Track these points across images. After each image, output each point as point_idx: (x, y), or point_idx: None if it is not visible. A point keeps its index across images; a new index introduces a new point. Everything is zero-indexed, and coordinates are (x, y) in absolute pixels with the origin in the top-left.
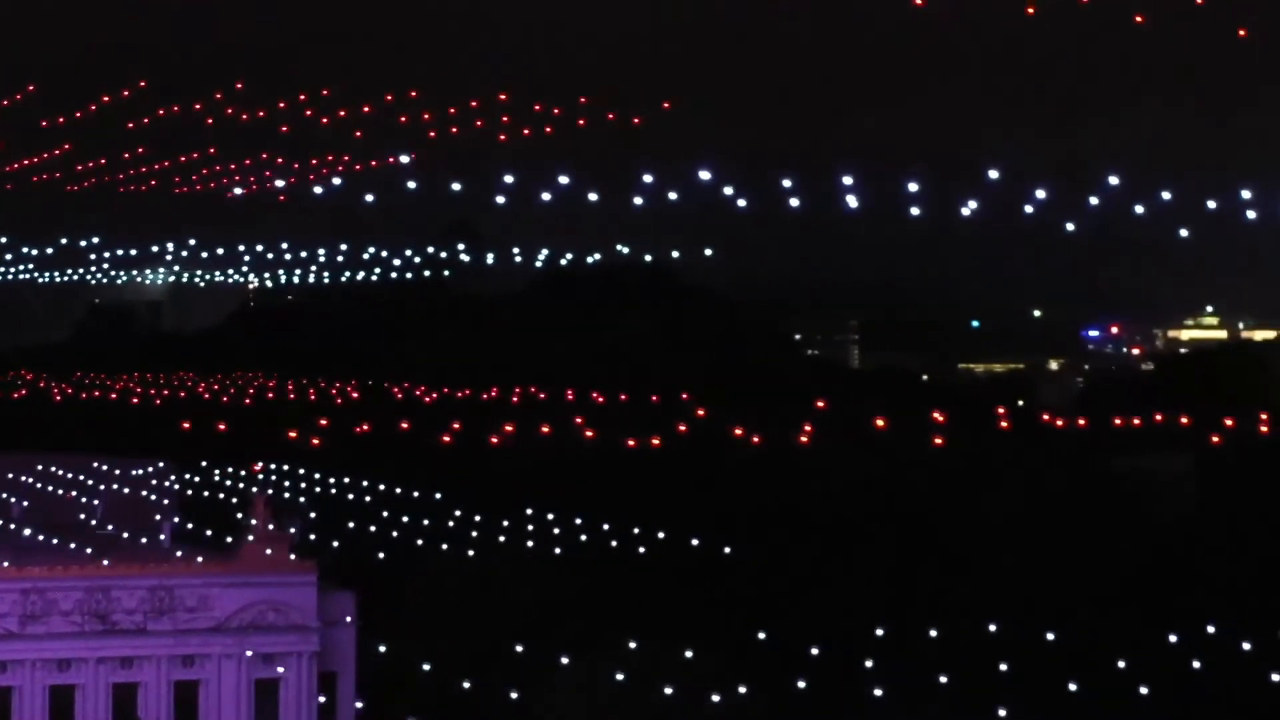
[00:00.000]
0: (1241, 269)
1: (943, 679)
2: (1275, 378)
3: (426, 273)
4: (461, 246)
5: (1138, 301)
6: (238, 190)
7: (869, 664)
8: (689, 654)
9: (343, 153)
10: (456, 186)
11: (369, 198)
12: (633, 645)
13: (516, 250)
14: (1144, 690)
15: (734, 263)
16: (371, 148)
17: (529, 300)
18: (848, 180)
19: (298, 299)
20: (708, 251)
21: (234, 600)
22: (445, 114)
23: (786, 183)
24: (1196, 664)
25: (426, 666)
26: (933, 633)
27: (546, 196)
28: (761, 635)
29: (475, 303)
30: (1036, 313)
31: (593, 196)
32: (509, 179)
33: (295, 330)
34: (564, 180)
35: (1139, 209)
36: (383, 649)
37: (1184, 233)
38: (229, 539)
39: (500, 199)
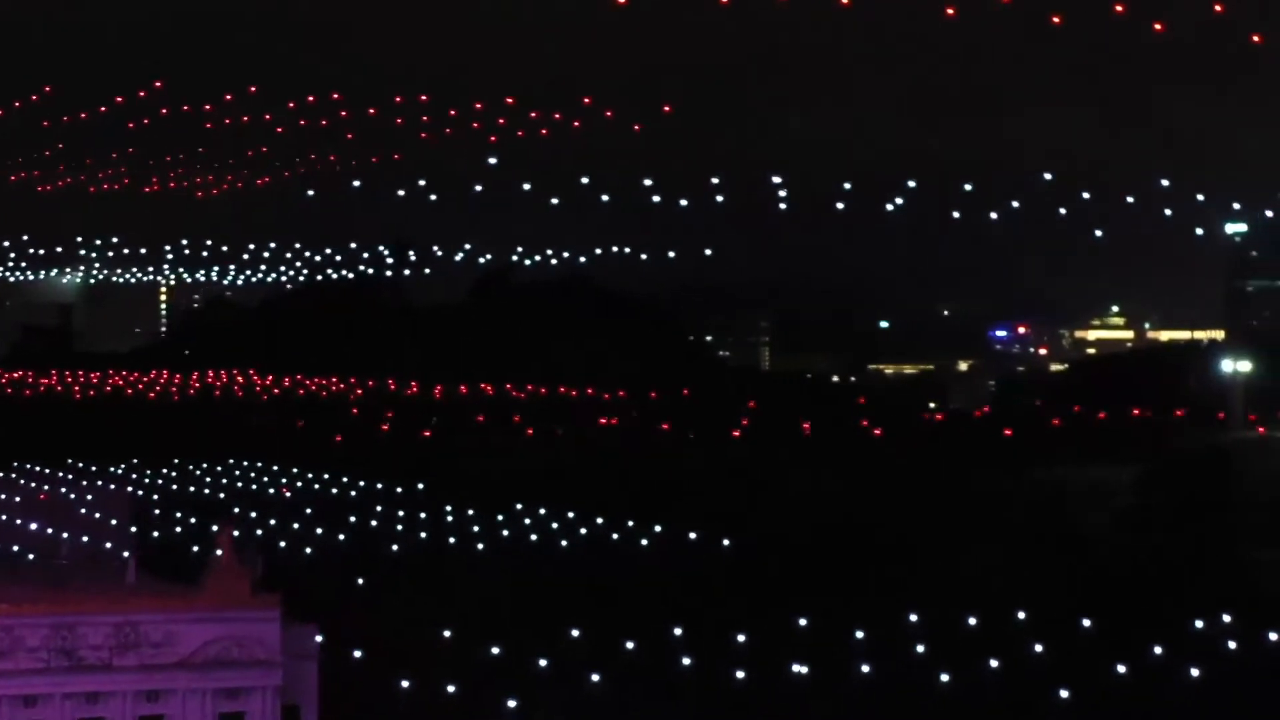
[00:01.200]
0: (1147, 269)
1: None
2: (1198, 381)
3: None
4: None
5: (1045, 302)
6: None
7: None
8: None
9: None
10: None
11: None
12: (595, 678)
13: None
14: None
15: (650, 265)
16: (293, 149)
17: (468, 309)
18: (776, 180)
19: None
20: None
21: (198, 636)
22: (366, 116)
23: (714, 180)
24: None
25: (406, 683)
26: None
27: (480, 187)
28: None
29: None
30: (945, 312)
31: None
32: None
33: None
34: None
35: (1062, 210)
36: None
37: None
38: (192, 575)
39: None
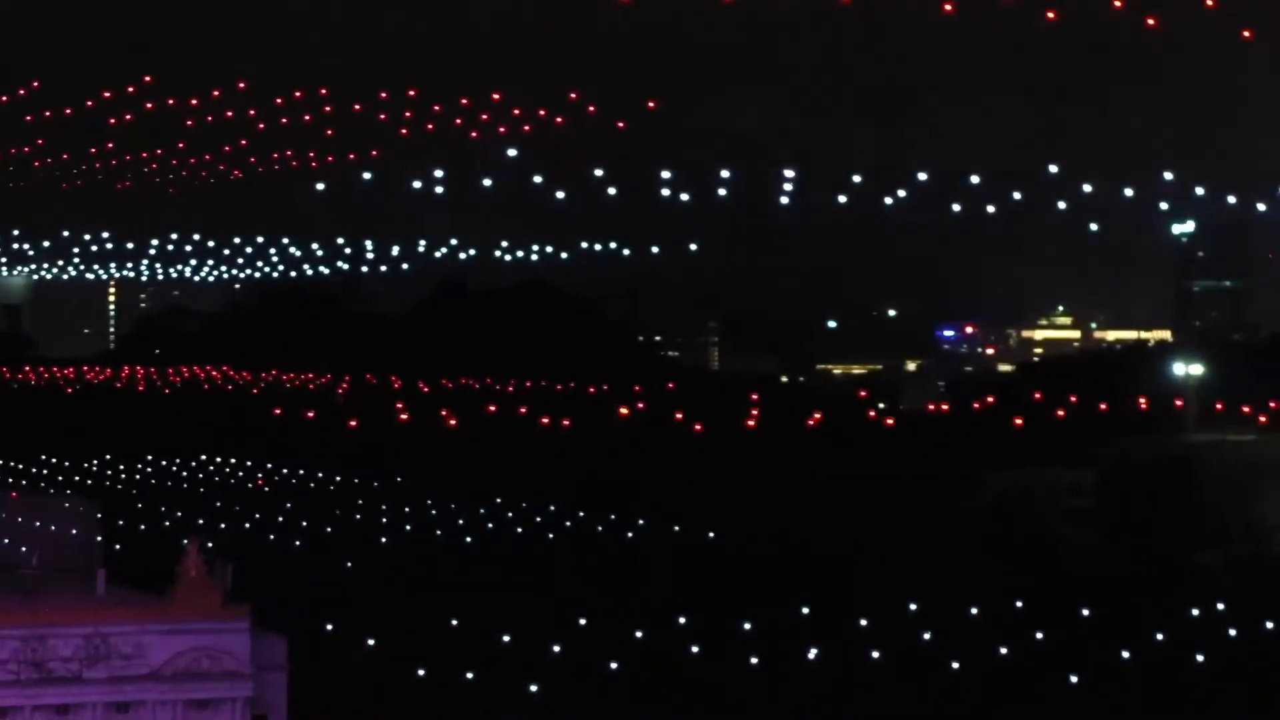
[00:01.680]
0: (1094, 269)
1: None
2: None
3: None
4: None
5: (991, 301)
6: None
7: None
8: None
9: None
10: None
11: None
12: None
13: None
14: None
15: (598, 265)
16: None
17: (421, 314)
18: (725, 173)
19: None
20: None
21: (169, 647)
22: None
23: (665, 174)
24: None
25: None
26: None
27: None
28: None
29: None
30: (891, 312)
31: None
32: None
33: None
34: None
35: (990, 208)
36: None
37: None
38: (161, 581)
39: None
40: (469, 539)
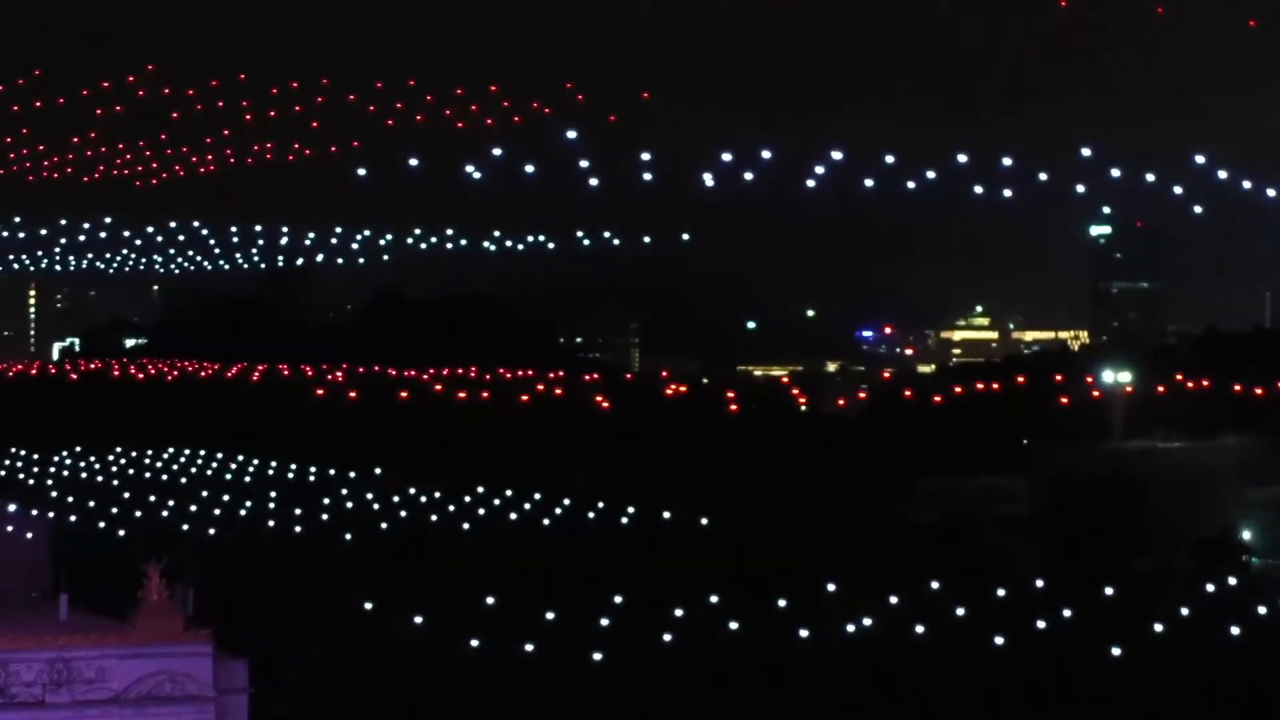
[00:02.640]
0: (1011, 270)
1: None
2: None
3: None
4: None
5: (909, 302)
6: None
7: None
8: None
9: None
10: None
11: None
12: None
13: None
14: None
15: (516, 268)
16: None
17: (356, 328)
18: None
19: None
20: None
21: (131, 671)
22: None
23: (584, 162)
24: None
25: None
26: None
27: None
28: None
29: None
30: (810, 312)
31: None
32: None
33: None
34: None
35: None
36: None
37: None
38: (120, 607)
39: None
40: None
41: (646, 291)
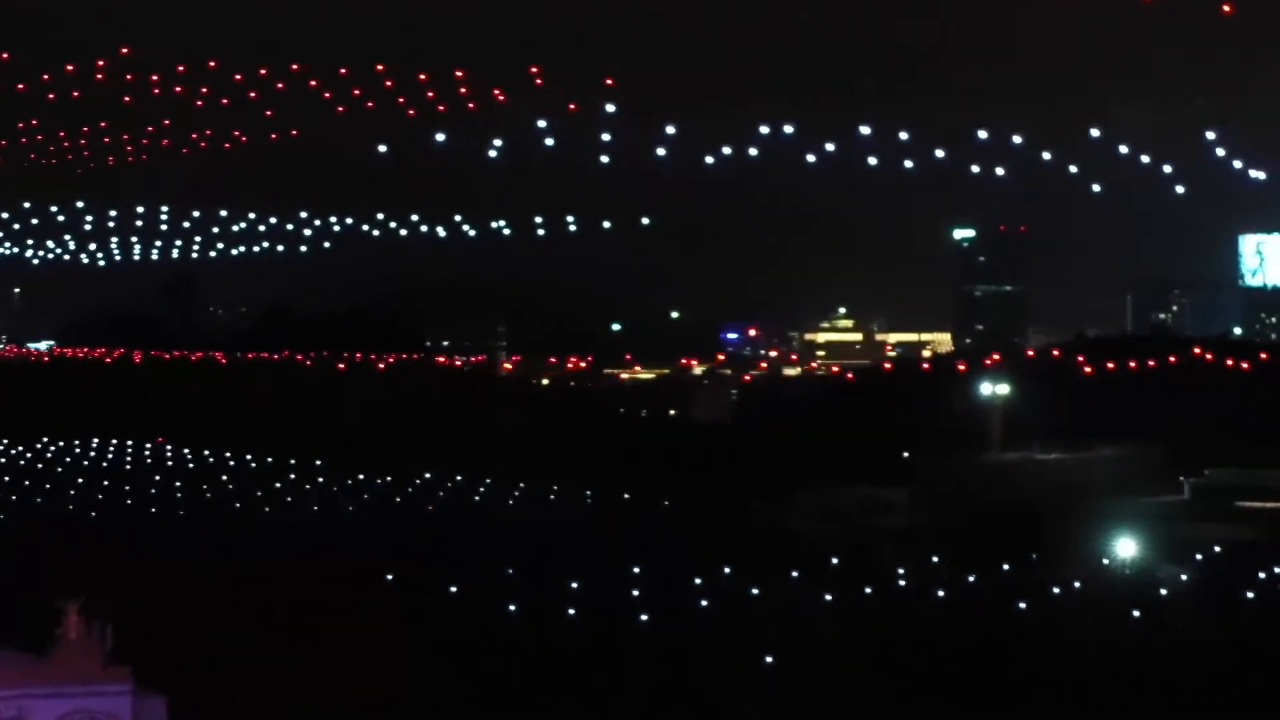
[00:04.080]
0: (873, 273)
1: None
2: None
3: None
4: None
5: (773, 304)
6: None
7: None
8: None
9: None
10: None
11: None
12: None
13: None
14: None
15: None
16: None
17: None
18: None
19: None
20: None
21: (51, 710)
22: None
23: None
24: None
25: None
26: None
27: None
28: None
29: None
30: (674, 314)
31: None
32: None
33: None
34: None
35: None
36: None
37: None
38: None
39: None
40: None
41: (514, 294)
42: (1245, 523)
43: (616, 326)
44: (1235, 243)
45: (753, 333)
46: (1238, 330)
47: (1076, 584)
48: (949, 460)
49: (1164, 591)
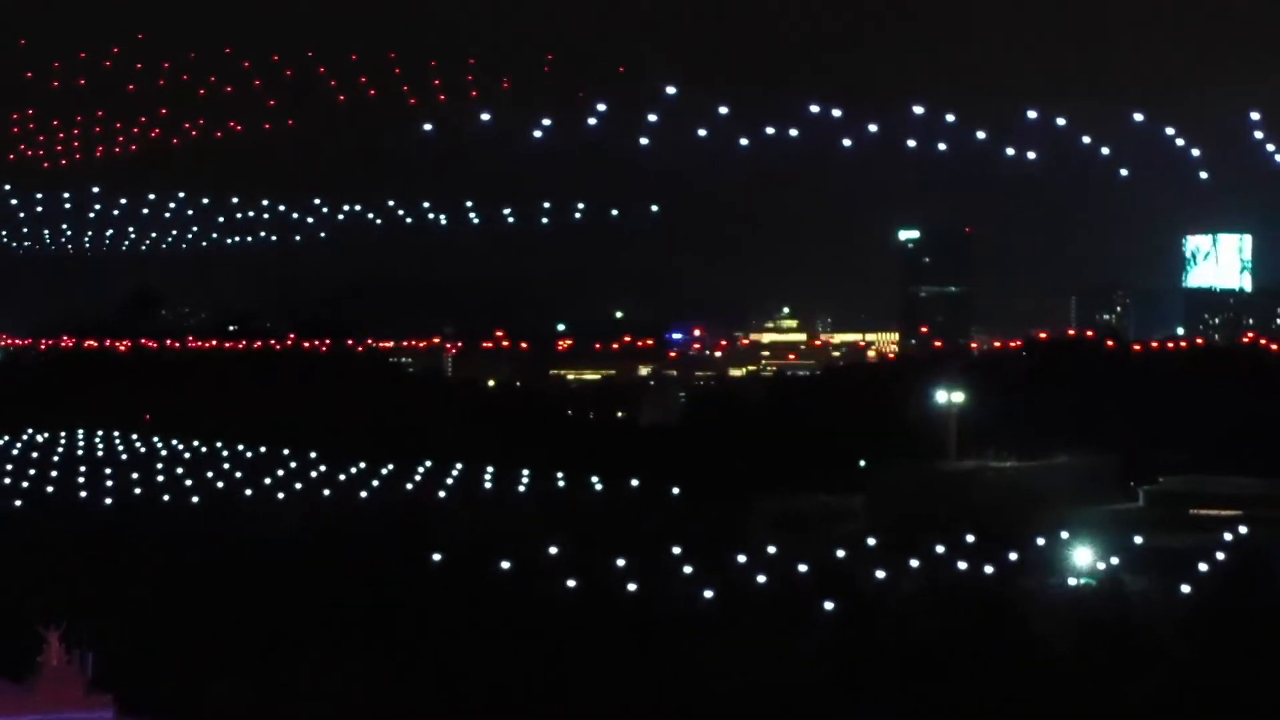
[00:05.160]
0: (819, 273)
1: None
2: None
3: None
4: None
5: (718, 303)
6: None
7: None
8: None
9: None
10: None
11: None
12: None
13: None
14: None
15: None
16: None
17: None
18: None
19: None
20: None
21: None
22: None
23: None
24: None
25: None
26: None
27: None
28: None
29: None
30: (618, 314)
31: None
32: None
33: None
34: None
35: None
36: None
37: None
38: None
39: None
40: None
41: (459, 293)
42: (1199, 530)
43: (561, 326)
44: (1179, 244)
45: (697, 332)
46: (1180, 330)
47: (1040, 591)
48: (905, 468)
49: (1129, 599)
